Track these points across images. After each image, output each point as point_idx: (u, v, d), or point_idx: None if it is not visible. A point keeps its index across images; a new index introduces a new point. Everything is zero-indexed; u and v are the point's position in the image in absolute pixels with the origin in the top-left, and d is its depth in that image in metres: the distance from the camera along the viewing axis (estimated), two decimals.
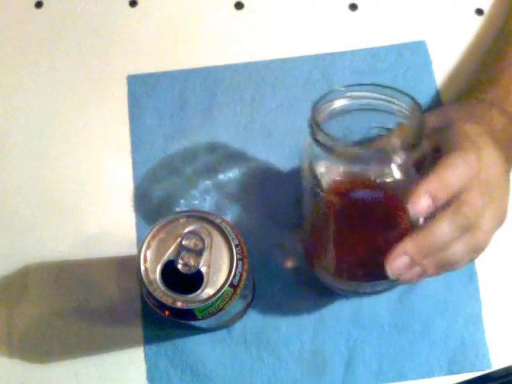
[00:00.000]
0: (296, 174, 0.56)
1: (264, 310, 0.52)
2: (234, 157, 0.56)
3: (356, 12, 0.61)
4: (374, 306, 0.52)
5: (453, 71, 0.59)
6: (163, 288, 0.37)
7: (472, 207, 0.41)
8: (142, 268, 0.37)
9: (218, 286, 0.37)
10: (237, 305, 0.43)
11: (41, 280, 0.54)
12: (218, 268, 0.38)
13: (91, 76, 0.59)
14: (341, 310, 0.52)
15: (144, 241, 0.38)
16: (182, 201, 0.55)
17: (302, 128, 0.57)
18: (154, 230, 0.38)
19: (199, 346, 0.52)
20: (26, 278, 0.54)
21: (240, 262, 0.39)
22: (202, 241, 0.37)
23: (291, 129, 0.57)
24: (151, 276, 0.37)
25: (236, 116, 0.57)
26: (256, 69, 0.59)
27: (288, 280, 0.53)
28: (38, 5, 0.62)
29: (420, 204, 0.39)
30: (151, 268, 0.38)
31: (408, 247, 0.40)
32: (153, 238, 0.38)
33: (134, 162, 0.56)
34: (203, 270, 0.37)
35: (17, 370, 0.52)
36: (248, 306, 0.51)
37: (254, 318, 0.52)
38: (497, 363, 0.52)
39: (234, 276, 0.38)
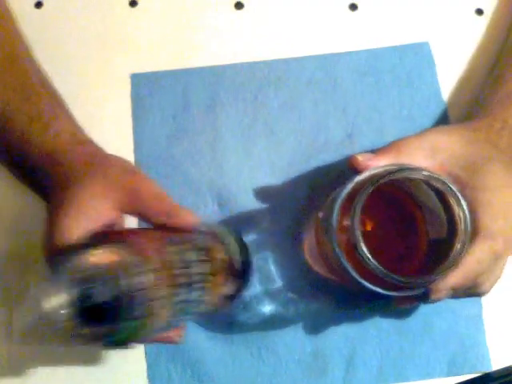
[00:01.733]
0: (296, 173, 0.56)
1: (265, 311, 0.52)
2: (236, 156, 0.56)
3: (356, 12, 0.61)
4: (375, 307, 0.53)
5: (455, 72, 0.59)
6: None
7: (486, 278, 0.44)
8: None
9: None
10: (184, 304, 0.40)
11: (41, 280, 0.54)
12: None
13: (93, 76, 0.59)
14: (341, 311, 0.52)
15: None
16: (184, 200, 0.55)
17: (304, 127, 0.57)
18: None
19: (199, 345, 0.52)
20: (26, 278, 0.54)
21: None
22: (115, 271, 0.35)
23: (294, 128, 0.57)
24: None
25: (239, 115, 0.57)
26: (259, 68, 0.59)
27: (288, 280, 0.53)
28: (38, 5, 0.62)
29: (441, 296, 0.41)
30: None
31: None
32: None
33: (136, 161, 0.56)
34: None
35: (16, 371, 0.52)
36: (237, 289, 0.48)
37: (254, 318, 0.52)
38: (497, 364, 0.52)
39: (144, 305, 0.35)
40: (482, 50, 0.60)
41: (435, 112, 0.57)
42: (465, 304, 0.53)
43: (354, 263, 0.41)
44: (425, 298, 0.42)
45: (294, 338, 0.52)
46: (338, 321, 0.52)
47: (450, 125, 0.53)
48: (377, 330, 0.52)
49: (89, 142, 0.50)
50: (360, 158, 0.44)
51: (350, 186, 0.42)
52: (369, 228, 0.45)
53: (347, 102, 0.58)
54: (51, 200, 0.47)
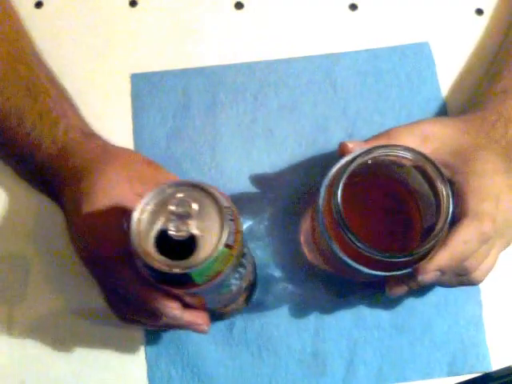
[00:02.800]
0: (297, 172, 0.56)
1: (265, 310, 0.52)
2: (236, 156, 0.56)
3: (356, 12, 0.61)
4: (375, 307, 0.53)
5: (455, 72, 0.59)
6: (158, 257, 0.36)
7: (475, 262, 0.44)
8: (136, 241, 0.37)
9: (213, 247, 0.36)
10: (236, 275, 0.42)
11: (41, 280, 0.54)
12: (211, 230, 0.37)
13: (93, 76, 0.59)
14: (341, 311, 0.53)
15: (134, 214, 0.37)
16: None
17: (304, 128, 0.57)
18: (143, 202, 0.37)
19: (200, 346, 0.52)
20: (26, 278, 0.54)
21: (232, 223, 0.38)
22: (191, 205, 0.37)
23: (293, 129, 0.57)
24: (146, 248, 0.37)
25: (238, 115, 0.57)
26: (259, 69, 0.59)
27: (289, 280, 0.53)
28: (38, 5, 0.62)
29: (429, 278, 0.42)
30: (145, 240, 0.37)
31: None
32: (142, 211, 0.37)
33: None
34: (196, 234, 0.37)
35: (17, 370, 0.52)
36: (249, 295, 0.51)
37: (254, 318, 0.52)
38: (497, 364, 0.52)
39: (228, 236, 0.37)
40: (482, 50, 0.60)
41: (435, 112, 0.57)
42: (465, 304, 0.53)
43: (342, 245, 0.41)
44: (412, 278, 0.42)
45: (293, 338, 0.52)
46: (338, 321, 0.52)
47: (445, 117, 0.53)
48: (377, 330, 0.52)
49: (97, 136, 0.51)
50: (350, 144, 0.45)
51: (335, 168, 0.43)
52: (362, 219, 0.45)
53: (347, 102, 0.58)
54: (66, 192, 0.48)
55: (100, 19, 0.61)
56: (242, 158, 0.56)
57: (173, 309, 0.42)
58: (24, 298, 0.53)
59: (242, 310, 0.52)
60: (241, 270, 0.42)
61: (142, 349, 0.52)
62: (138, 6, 0.62)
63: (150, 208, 0.37)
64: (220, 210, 0.37)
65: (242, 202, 0.55)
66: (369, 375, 0.51)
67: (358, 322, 0.52)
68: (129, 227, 0.37)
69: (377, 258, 0.39)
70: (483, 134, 0.47)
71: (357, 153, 0.42)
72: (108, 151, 0.50)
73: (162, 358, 0.52)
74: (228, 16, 0.62)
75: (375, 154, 0.41)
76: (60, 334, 0.52)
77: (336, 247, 0.42)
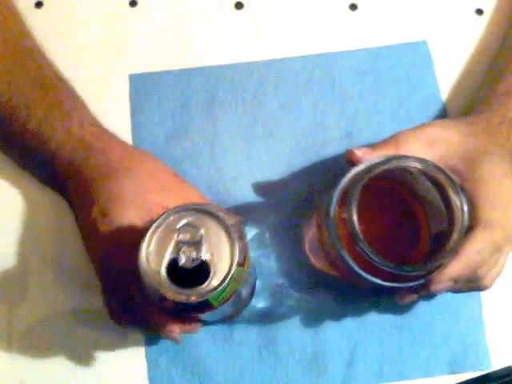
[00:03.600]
0: (296, 173, 0.56)
1: (265, 310, 0.52)
2: (235, 156, 0.56)
3: (356, 12, 0.61)
4: (375, 306, 0.53)
5: (454, 71, 0.59)
6: (173, 288, 0.36)
7: (486, 270, 0.44)
8: (149, 273, 0.37)
9: (227, 269, 0.36)
10: (245, 286, 0.43)
11: (41, 280, 0.54)
12: (222, 252, 0.37)
13: (93, 75, 0.59)
14: (342, 310, 0.52)
15: (141, 247, 0.37)
16: None
17: (303, 127, 0.57)
18: (149, 233, 0.37)
19: (200, 346, 0.52)
20: (26, 278, 0.54)
21: (240, 241, 0.38)
22: (198, 230, 0.37)
23: (293, 128, 0.57)
24: (158, 279, 0.37)
25: (237, 115, 0.57)
26: (258, 68, 0.59)
27: (289, 280, 0.53)
28: (38, 5, 0.62)
29: (442, 288, 0.42)
30: (156, 272, 0.37)
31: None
32: (149, 242, 0.37)
33: None
34: (207, 258, 0.37)
35: (16, 370, 0.52)
36: (251, 294, 0.51)
37: (254, 318, 0.52)
38: (497, 363, 0.52)
39: (239, 255, 0.37)
40: (482, 49, 0.60)
41: (434, 111, 0.57)
42: (465, 303, 0.53)
43: (354, 255, 0.41)
44: (425, 289, 0.42)
45: (294, 337, 0.52)
46: (338, 320, 0.52)
47: (450, 119, 0.53)
48: (377, 329, 0.52)
49: (113, 134, 0.52)
50: (357, 152, 0.44)
51: (346, 178, 0.42)
52: (370, 224, 0.44)
53: (346, 102, 0.58)
54: (88, 188, 0.48)
55: (100, 19, 0.61)
56: (241, 157, 0.56)
57: (174, 333, 0.43)
58: (24, 298, 0.53)
59: (245, 307, 0.52)
60: (250, 281, 0.43)
61: (142, 349, 0.52)
62: (137, 6, 0.62)
63: (156, 238, 0.37)
64: (227, 230, 0.37)
65: (242, 210, 0.55)
66: (369, 374, 0.51)
67: (358, 321, 0.52)
68: (138, 261, 0.37)
69: (393, 271, 0.39)
70: (488, 138, 0.47)
71: (369, 163, 0.41)
72: (134, 155, 0.50)
73: (162, 358, 0.52)
74: (228, 16, 0.62)
75: (389, 165, 0.41)
76: (60, 335, 0.52)
77: (350, 260, 0.41)
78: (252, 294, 0.51)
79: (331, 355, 0.52)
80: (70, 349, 0.52)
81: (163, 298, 0.37)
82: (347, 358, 0.52)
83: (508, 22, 0.60)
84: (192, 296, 0.36)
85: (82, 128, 0.49)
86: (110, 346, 0.52)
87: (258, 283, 0.53)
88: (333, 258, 0.47)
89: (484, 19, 0.61)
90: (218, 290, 0.36)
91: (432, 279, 0.41)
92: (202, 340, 0.52)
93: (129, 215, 0.45)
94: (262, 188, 0.56)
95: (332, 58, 0.59)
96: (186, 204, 0.38)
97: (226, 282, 0.36)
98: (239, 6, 0.62)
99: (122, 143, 0.51)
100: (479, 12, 0.62)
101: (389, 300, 0.52)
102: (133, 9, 0.62)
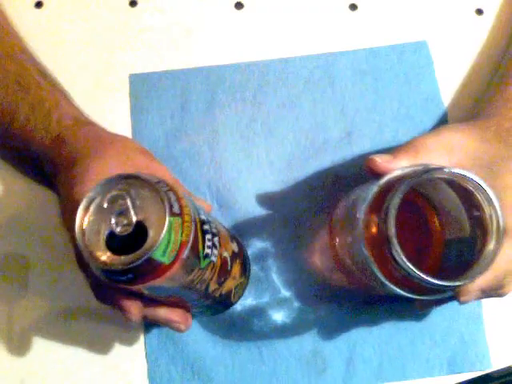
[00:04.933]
0: (295, 173, 0.56)
1: (265, 310, 0.52)
2: (235, 156, 0.56)
3: (356, 12, 0.61)
4: (375, 306, 0.53)
5: (454, 71, 0.59)
6: (115, 258, 0.35)
7: (511, 278, 0.44)
8: (88, 250, 0.35)
9: (161, 222, 0.35)
10: (207, 243, 0.40)
11: (41, 280, 0.54)
12: (153, 210, 0.36)
13: (92, 75, 0.59)
14: (341, 310, 0.52)
15: (75, 227, 0.36)
16: None
17: (303, 127, 0.57)
18: (80, 216, 0.36)
19: (200, 345, 0.52)
20: (26, 278, 0.54)
21: (170, 192, 0.36)
22: (126, 197, 0.36)
23: (292, 128, 0.57)
24: (101, 257, 0.35)
25: (237, 115, 0.57)
26: (257, 68, 0.59)
27: (289, 279, 0.53)
28: (38, 5, 0.62)
29: (471, 298, 0.42)
30: (96, 247, 0.35)
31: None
32: (81, 221, 0.36)
33: None
34: (140, 220, 0.35)
35: (17, 369, 0.52)
36: (243, 266, 0.49)
37: (254, 318, 0.52)
38: (497, 363, 0.52)
39: (170, 205, 0.36)
40: (482, 49, 0.60)
41: (433, 110, 0.57)
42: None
43: (380, 266, 0.40)
44: (452, 299, 0.42)
45: (293, 337, 0.52)
46: (337, 319, 0.52)
47: (463, 123, 0.53)
48: (377, 328, 0.52)
49: (92, 123, 0.51)
50: (378, 159, 0.43)
51: (377, 187, 0.40)
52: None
53: (346, 101, 0.58)
54: (60, 178, 0.47)
55: (100, 19, 0.61)
56: (241, 157, 0.56)
57: (129, 313, 0.42)
58: (24, 298, 0.53)
59: (245, 286, 0.50)
60: (209, 237, 0.40)
61: (142, 349, 0.52)
62: (137, 6, 0.62)
63: (89, 215, 0.36)
64: (152, 187, 0.36)
65: (242, 210, 0.55)
66: (369, 373, 0.51)
67: (358, 320, 0.52)
68: (76, 243, 0.36)
69: (431, 286, 0.38)
70: (502, 143, 0.47)
71: (403, 172, 0.40)
72: (103, 138, 0.49)
73: (162, 358, 0.52)
74: (228, 16, 0.62)
75: (431, 175, 0.39)
76: (60, 334, 0.52)
77: (382, 276, 0.40)
78: (243, 259, 0.49)
79: (331, 354, 0.52)
80: (69, 348, 0.52)
81: (112, 271, 0.36)
82: (347, 357, 0.52)
83: (508, 22, 0.60)
84: (135, 258, 0.35)
85: (59, 125, 0.49)
86: (110, 346, 0.52)
87: (259, 285, 0.53)
88: (348, 267, 0.47)
89: (484, 19, 0.61)
90: (158, 243, 0.34)
91: (461, 290, 0.41)
92: (202, 340, 0.52)
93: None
94: (261, 187, 0.55)
95: (332, 57, 0.59)
96: (111, 175, 0.37)
97: (163, 233, 0.35)
98: (239, 6, 0.62)
99: (95, 129, 0.51)
100: (479, 12, 0.62)
101: (386, 298, 0.52)
102: (133, 9, 0.62)
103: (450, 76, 0.59)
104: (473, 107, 0.57)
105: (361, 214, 0.40)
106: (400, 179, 0.40)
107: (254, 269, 0.53)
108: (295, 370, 0.51)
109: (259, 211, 0.55)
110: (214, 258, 0.41)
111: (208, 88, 0.58)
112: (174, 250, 0.36)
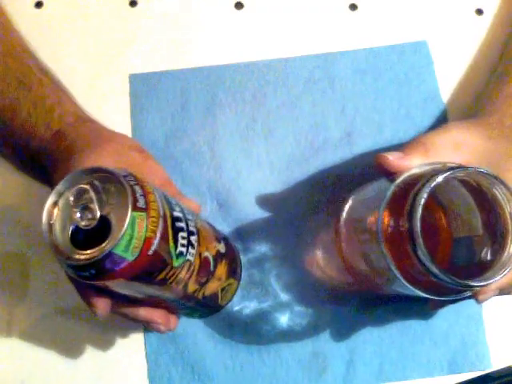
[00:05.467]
0: (296, 173, 0.56)
1: (265, 310, 0.52)
2: (235, 156, 0.56)
3: (356, 12, 0.62)
4: (375, 306, 0.52)
5: (454, 71, 0.59)
6: (77, 254, 0.34)
7: None
8: (54, 245, 0.35)
9: (123, 216, 0.34)
10: (181, 241, 0.39)
11: (41, 280, 0.54)
12: (117, 205, 0.35)
13: (92, 76, 0.59)
14: (341, 310, 0.52)
15: (45, 225, 0.36)
16: None
17: (303, 127, 0.57)
18: (47, 210, 0.36)
19: (200, 346, 0.52)
20: (26, 278, 0.54)
21: (136, 187, 0.35)
22: (89, 192, 0.35)
23: (292, 128, 0.57)
24: (66, 252, 0.35)
25: (237, 115, 0.57)
26: (257, 68, 0.59)
27: (290, 280, 0.53)
28: (38, 5, 0.62)
29: (488, 297, 0.42)
30: (62, 243, 0.35)
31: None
32: (48, 220, 0.36)
33: None
34: (104, 214, 0.35)
35: (17, 370, 0.52)
36: (231, 267, 0.48)
37: (254, 318, 0.52)
38: (497, 363, 0.52)
39: (134, 199, 0.34)
40: (482, 49, 0.60)
41: (433, 110, 0.58)
42: (465, 303, 0.52)
43: (398, 265, 0.39)
44: (469, 298, 0.41)
45: (294, 337, 0.52)
46: (338, 321, 0.52)
47: (467, 120, 0.52)
48: (377, 328, 0.52)
49: (93, 121, 0.52)
50: (390, 157, 0.43)
51: (394, 186, 0.40)
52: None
53: (346, 101, 0.58)
54: (57, 173, 0.47)
55: (100, 19, 0.61)
56: (241, 157, 0.56)
57: (100, 310, 0.41)
58: (24, 298, 0.53)
59: (236, 288, 0.50)
60: (184, 235, 0.39)
61: (142, 349, 0.52)
62: (137, 6, 0.62)
63: (57, 212, 0.36)
64: (118, 180, 0.35)
65: (242, 210, 0.55)
66: (369, 374, 0.51)
67: (358, 321, 0.52)
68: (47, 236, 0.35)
69: (453, 287, 0.37)
70: (506, 141, 0.47)
71: (422, 170, 0.40)
72: (102, 134, 0.50)
73: (162, 358, 0.52)
74: (228, 16, 0.62)
75: (454, 174, 0.38)
76: (60, 335, 0.52)
77: (401, 276, 0.39)
78: (231, 259, 0.48)
79: (331, 355, 0.52)
80: (70, 349, 0.52)
81: (72, 267, 0.35)
82: (347, 358, 0.52)
83: (508, 22, 0.60)
84: (96, 253, 0.34)
85: (60, 122, 0.50)
86: (110, 346, 0.52)
87: (259, 285, 0.53)
88: (357, 266, 0.46)
89: (484, 19, 0.62)
90: (120, 239, 0.33)
91: (480, 290, 0.41)
92: (202, 340, 0.52)
93: None
94: (261, 187, 0.55)
95: (332, 57, 0.59)
96: (77, 170, 0.36)
97: (125, 228, 0.33)
98: (239, 5, 0.62)
99: (95, 126, 0.51)
100: (479, 12, 0.62)
101: (386, 298, 0.52)
102: (133, 9, 0.62)
103: (450, 76, 0.59)
104: (473, 106, 0.57)
105: (380, 213, 0.40)
106: (419, 178, 0.39)
107: (253, 271, 0.53)
108: (295, 371, 0.51)
109: (259, 211, 0.55)
110: (190, 257, 0.40)
111: (208, 88, 0.58)
112: (138, 245, 0.35)
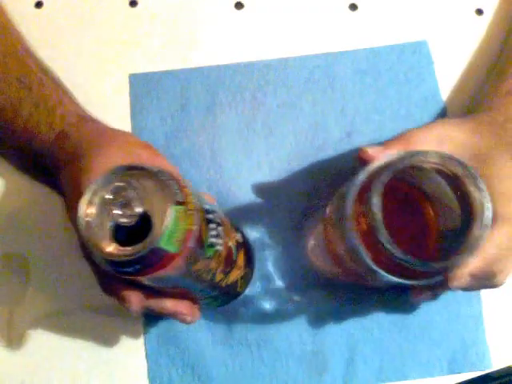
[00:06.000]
0: (296, 173, 0.56)
1: (265, 310, 0.52)
2: (235, 156, 0.56)
3: (356, 12, 0.62)
4: (375, 305, 0.53)
5: (454, 71, 0.59)
6: (122, 251, 0.35)
7: (503, 266, 0.43)
8: (93, 242, 0.35)
9: (165, 210, 0.35)
10: (212, 232, 0.40)
11: (41, 280, 0.54)
12: (157, 200, 0.36)
13: (92, 75, 0.59)
14: (341, 310, 0.52)
15: (82, 223, 0.36)
16: None
17: (303, 127, 0.57)
18: (83, 208, 0.36)
19: (200, 346, 0.52)
20: (26, 278, 0.54)
21: (172, 182, 0.36)
22: (128, 188, 0.36)
23: (292, 128, 0.57)
24: (108, 249, 0.35)
25: (237, 115, 0.57)
26: (257, 68, 0.59)
27: (290, 280, 0.53)
28: (38, 5, 0.62)
29: (461, 284, 0.41)
30: (102, 239, 0.35)
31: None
32: (85, 218, 0.36)
33: None
34: (145, 210, 0.35)
35: (17, 370, 0.52)
36: (248, 257, 0.49)
37: (254, 318, 0.52)
38: (497, 363, 0.52)
39: (174, 193, 0.36)
40: (482, 49, 0.60)
41: (434, 110, 0.57)
42: (465, 303, 0.53)
43: (372, 253, 0.40)
44: (444, 285, 0.41)
45: (294, 336, 0.52)
46: (338, 319, 0.52)
47: (455, 117, 0.53)
48: (377, 328, 0.52)
49: (95, 120, 0.52)
50: (370, 150, 0.44)
51: (363, 175, 0.41)
52: (387, 225, 0.44)
53: (346, 101, 0.58)
54: (64, 173, 0.48)
55: (100, 19, 0.61)
56: (242, 157, 0.56)
57: (129, 303, 0.42)
58: (24, 299, 0.53)
59: (250, 277, 0.51)
60: (213, 226, 0.41)
61: (142, 349, 0.52)
62: (138, 6, 0.62)
63: (93, 210, 0.36)
64: (154, 176, 0.36)
65: (242, 210, 0.55)
66: (369, 374, 0.51)
67: (358, 320, 0.52)
68: (81, 236, 0.36)
69: (415, 268, 0.38)
70: (494, 136, 0.47)
71: (389, 159, 0.40)
72: (105, 133, 0.50)
73: (162, 358, 0.52)
74: (228, 16, 0.62)
75: (413, 160, 0.40)
76: (60, 335, 0.52)
77: (369, 260, 0.40)
78: (248, 249, 0.50)
79: (331, 355, 0.52)
80: (70, 349, 0.52)
81: (114, 264, 0.36)
82: (347, 358, 0.52)
83: (508, 22, 0.60)
84: (142, 248, 0.34)
85: (63, 122, 0.50)
86: (110, 346, 0.52)
87: (258, 284, 0.53)
88: (342, 260, 0.47)
89: (484, 19, 0.61)
90: (165, 231, 0.34)
91: (451, 276, 0.41)
92: (202, 340, 0.52)
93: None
94: (261, 188, 0.56)
95: (332, 57, 0.59)
96: (113, 167, 0.37)
97: (170, 221, 0.35)
98: (239, 5, 0.62)
99: (98, 126, 0.51)
100: (479, 12, 0.62)
101: (386, 297, 0.52)
102: (133, 9, 0.62)
103: (450, 76, 0.59)
104: (472, 105, 0.57)
105: (349, 201, 0.41)
106: (386, 165, 0.40)
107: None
108: (295, 371, 0.51)
109: (259, 211, 0.55)
110: (219, 248, 0.41)
111: (208, 88, 0.58)
112: (181, 238, 0.36)
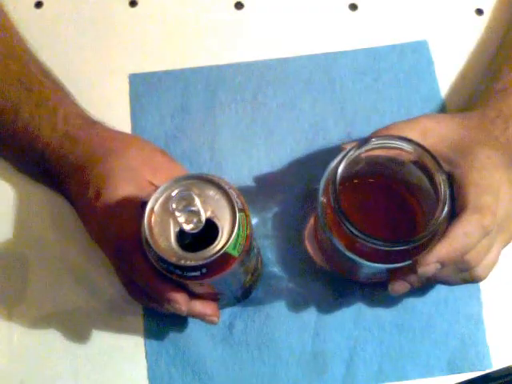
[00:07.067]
0: (296, 172, 0.56)
1: (265, 310, 0.52)
2: (235, 156, 0.56)
3: (356, 12, 0.62)
4: (375, 306, 0.53)
5: (454, 71, 0.59)
6: (189, 256, 0.37)
7: (476, 256, 0.43)
8: (160, 248, 0.38)
9: (231, 217, 0.38)
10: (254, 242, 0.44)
11: (41, 280, 0.54)
12: (220, 208, 0.38)
13: (92, 75, 0.59)
14: (341, 310, 0.52)
15: (143, 225, 0.38)
16: None
17: (303, 126, 0.57)
18: (147, 210, 0.38)
19: (200, 346, 0.52)
20: (26, 278, 0.54)
21: (232, 190, 0.39)
22: (193, 196, 0.38)
23: (292, 127, 0.57)
24: (175, 255, 0.37)
25: (237, 115, 0.57)
26: (257, 68, 0.59)
27: (291, 279, 0.53)
28: (38, 5, 0.62)
29: (429, 269, 0.41)
30: (167, 245, 0.38)
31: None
32: (149, 223, 0.38)
33: None
34: (210, 218, 0.38)
35: (17, 369, 0.52)
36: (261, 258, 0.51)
37: (254, 318, 0.52)
38: (497, 363, 0.52)
39: (236, 201, 0.39)
40: (482, 49, 0.60)
41: (434, 110, 0.57)
42: (465, 303, 0.53)
43: (341, 236, 0.42)
44: (413, 271, 0.42)
45: (294, 337, 0.52)
46: (338, 320, 0.52)
47: (443, 113, 0.53)
48: (377, 328, 0.52)
49: (99, 122, 0.52)
50: (349, 146, 0.44)
51: (333, 164, 0.43)
52: (368, 219, 0.45)
53: (346, 101, 0.58)
54: (77, 177, 0.48)
55: (100, 19, 0.61)
56: (242, 157, 0.56)
57: (179, 304, 0.43)
58: (24, 298, 0.53)
59: (260, 278, 0.52)
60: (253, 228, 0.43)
61: (142, 349, 0.52)
62: (137, 6, 0.62)
63: (156, 215, 0.38)
64: (218, 185, 0.39)
65: None
66: (369, 374, 0.51)
67: (358, 320, 0.52)
68: (146, 241, 0.38)
69: (375, 246, 0.39)
70: (483, 130, 0.47)
71: (351, 146, 0.42)
72: (117, 137, 0.50)
73: (162, 358, 0.52)
74: (228, 16, 0.62)
75: (372, 144, 0.41)
76: (59, 334, 0.52)
77: (335, 238, 0.42)
78: (261, 261, 0.52)
79: (331, 355, 0.51)
80: (69, 349, 0.52)
81: (180, 269, 0.38)
82: (347, 358, 0.51)
83: (508, 22, 0.60)
84: (209, 254, 0.37)
85: (66, 123, 0.50)
86: (110, 346, 0.52)
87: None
88: (324, 247, 0.48)
89: (484, 19, 0.62)
90: (232, 238, 0.37)
91: (418, 260, 0.41)
92: (202, 340, 0.52)
93: (122, 190, 0.45)
94: (261, 187, 0.56)
95: (332, 57, 0.59)
96: (177, 176, 0.39)
97: (236, 227, 0.37)
98: (239, 6, 0.62)
99: (106, 129, 0.51)
100: (479, 12, 0.62)
101: (386, 297, 0.52)
102: (133, 9, 0.62)
103: (450, 76, 0.59)
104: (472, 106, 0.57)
105: (320, 190, 0.43)
106: (343, 156, 0.42)
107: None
108: (295, 371, 0.51)
109: (259, 211, 0.55)
110: (255, 250, 0.45)
111: (208, 88, 0.58)
112: (242, 243, 0.39)
